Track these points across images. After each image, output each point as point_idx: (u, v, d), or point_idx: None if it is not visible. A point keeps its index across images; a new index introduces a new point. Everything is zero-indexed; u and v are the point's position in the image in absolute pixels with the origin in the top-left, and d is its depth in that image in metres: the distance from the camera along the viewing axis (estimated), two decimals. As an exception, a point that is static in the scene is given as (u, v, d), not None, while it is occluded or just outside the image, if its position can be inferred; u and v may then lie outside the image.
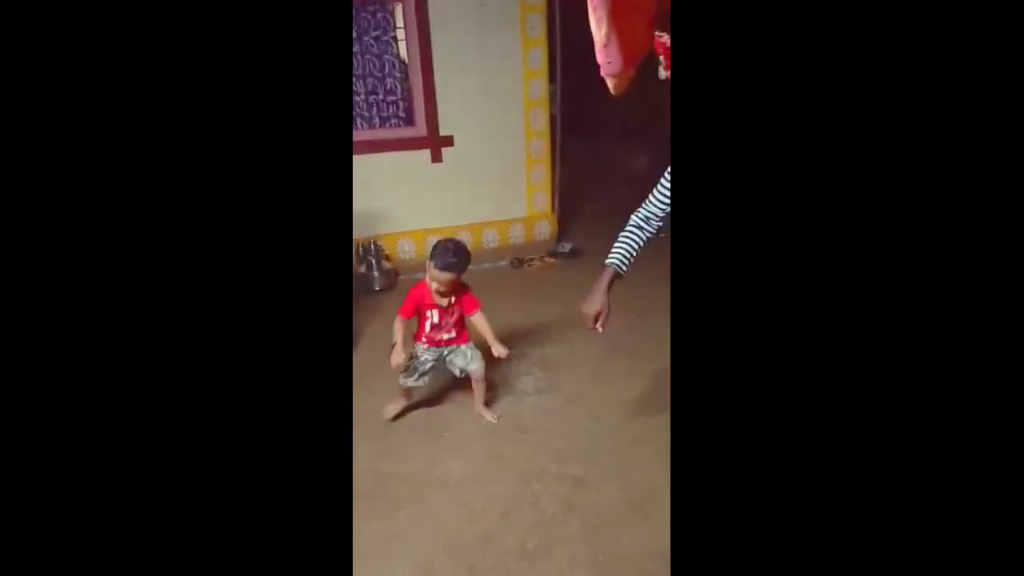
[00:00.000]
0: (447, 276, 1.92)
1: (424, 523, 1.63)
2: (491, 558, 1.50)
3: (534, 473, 1.81)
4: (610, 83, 0.96)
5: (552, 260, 3.92)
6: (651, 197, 1.60)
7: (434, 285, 1.96)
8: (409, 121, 3.69)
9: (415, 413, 2.17)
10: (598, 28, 0.90)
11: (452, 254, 1.92)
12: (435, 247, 1.95)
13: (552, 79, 3.86)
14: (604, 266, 1.62)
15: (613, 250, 1.62)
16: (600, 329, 1.61)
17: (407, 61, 3.59)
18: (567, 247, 4.07)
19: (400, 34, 3.53)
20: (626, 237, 1.62)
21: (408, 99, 3.66)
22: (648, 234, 1.62)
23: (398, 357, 1.94)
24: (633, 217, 1.63)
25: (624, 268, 1.62)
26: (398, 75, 3.61)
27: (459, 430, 2.07)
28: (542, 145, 3.99)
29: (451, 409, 2.20)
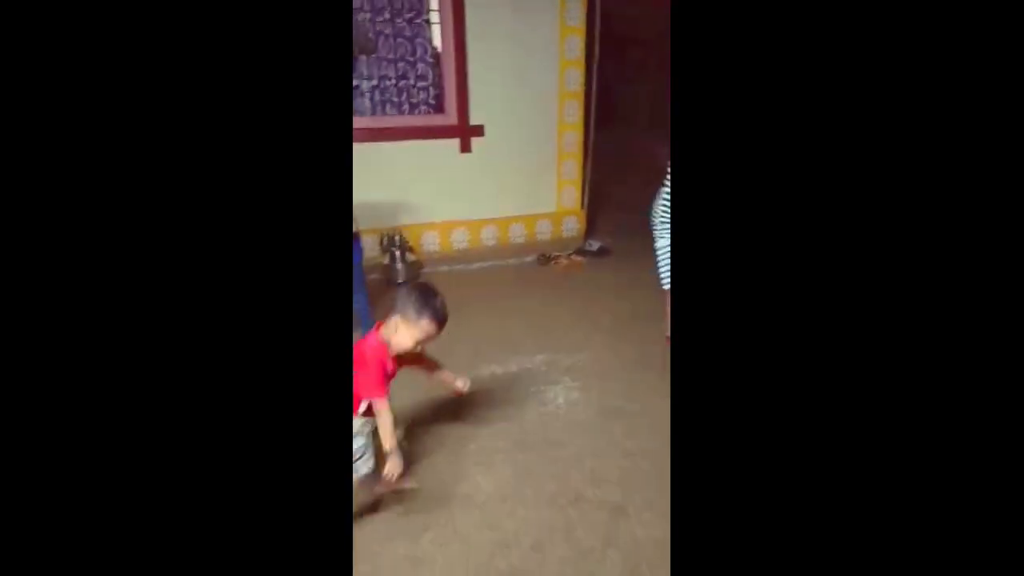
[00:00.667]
0: (439, 329, 1.54)
1: (452, 547, 1.54)
2: (525, 593, 1.40)
3: (568, 497, 1.71)
4: None
5: (580, 259, 3.79)
6: (662, 201, 1.62)
7: (410, 344, 1.51)
8: (439, 108, 3.56)
9: (438, 424, 2.07)
10: None
11: (441, 301, 1.53)
12: (413, 296, 1.50)
13: (589, 68, 3.70)
14: (667, 291, 1.56)
15: (663, 272, 1.55)
16: None
17: (439, 46, 3.45)
18: (595, 245, 3.94)
19: (434, 17, 3.39)
20: (666, 252, 1.57)
21: (439, 85, 3.52)
22: None
23: (397, 464, 1.49)
24: (662, 230, 1.59)
25: None
26: (430, 60, 3.48)
27: (485, 443, 1.97)
28: (575, 138, 3.84)
29: (474, 420, 2.10)
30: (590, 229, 4.18)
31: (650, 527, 1.59)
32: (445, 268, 3.61)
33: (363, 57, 3.36)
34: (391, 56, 3.41)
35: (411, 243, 3.52)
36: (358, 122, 3.36)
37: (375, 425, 1.54)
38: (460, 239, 3.78)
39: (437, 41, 3.45)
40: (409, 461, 1.81)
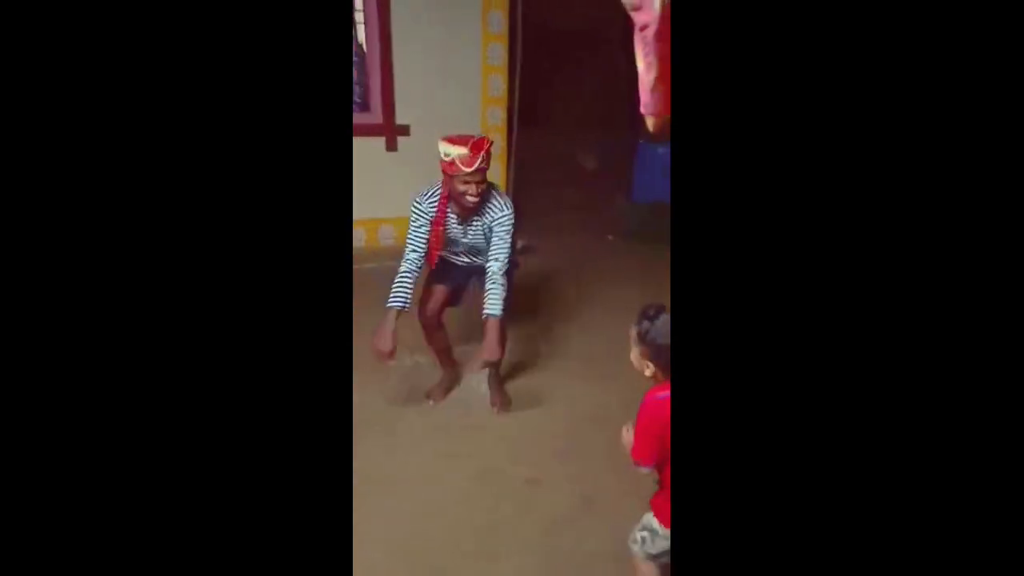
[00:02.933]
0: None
1: (376, 525, 1.60)
2: (448, 560, 1.49)
3: (490, 474, 1.82)
4: (649, 122, 0.91)
5: (504, 257, 3.92)
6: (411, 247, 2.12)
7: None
8: (364, 107, 3.59)
9: (365, 407, 2.12)
10: (647, 72, 0.87)
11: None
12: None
13: (512, 74, 3.84)
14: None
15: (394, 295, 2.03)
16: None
17: (364, 45, 3.48)
18: (519, 244, 4.07)
19: (359, 17, 3.42)
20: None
21: (364, 84, 3.55)
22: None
23: None
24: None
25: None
26: (354, 58, 3.50)
27: (410, 425, 2.05)
28: (498, 141, 3.97)
29: (399, 404, 2.17)
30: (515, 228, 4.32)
31: (564, 495, 1.73)
32: (373, 265, 3.63)
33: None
34: (315, 53, 3.41)
35: (336, 240, 3.52)
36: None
37: None
38: (387, 236, 3.82)
39: (362, 38, 3.48)
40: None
